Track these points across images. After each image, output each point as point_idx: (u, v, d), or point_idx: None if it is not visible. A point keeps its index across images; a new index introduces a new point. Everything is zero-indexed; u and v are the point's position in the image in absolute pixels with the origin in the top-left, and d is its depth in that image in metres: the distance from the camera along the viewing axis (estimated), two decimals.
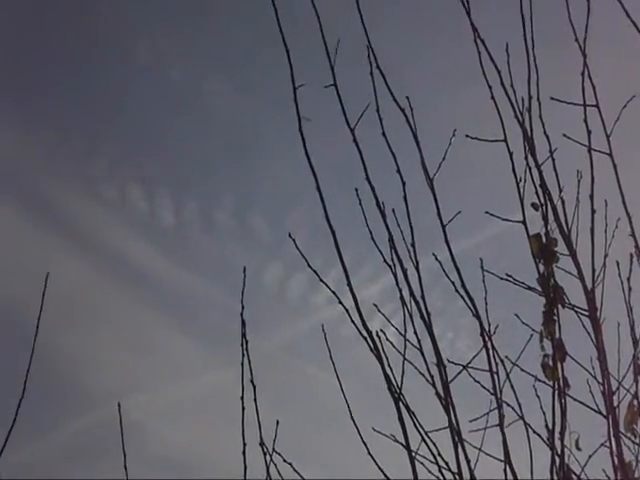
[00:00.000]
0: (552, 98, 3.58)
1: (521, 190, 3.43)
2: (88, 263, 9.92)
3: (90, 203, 10.23)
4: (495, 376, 3.28)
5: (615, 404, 3.37)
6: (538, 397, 3.35)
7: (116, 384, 8.52)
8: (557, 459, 3.24)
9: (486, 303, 3.35)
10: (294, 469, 3.38)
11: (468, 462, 3.16)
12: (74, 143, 10.29)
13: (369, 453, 3.31)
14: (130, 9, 10.02)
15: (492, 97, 3.47)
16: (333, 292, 3.34)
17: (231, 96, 10.21)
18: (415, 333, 3.32)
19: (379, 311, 3.46)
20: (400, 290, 3.33)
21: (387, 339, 3.33)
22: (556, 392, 3.30)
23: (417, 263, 3.33)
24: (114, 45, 10.19)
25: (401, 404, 3.22)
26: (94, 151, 10.28)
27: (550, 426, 3.26)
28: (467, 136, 3.55)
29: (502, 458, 3.19)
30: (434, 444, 3.22)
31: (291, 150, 8.68)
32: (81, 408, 8.21)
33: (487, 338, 3.28)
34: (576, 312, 3.44)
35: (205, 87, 10.31)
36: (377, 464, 3.28)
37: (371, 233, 3.37)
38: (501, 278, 3.54)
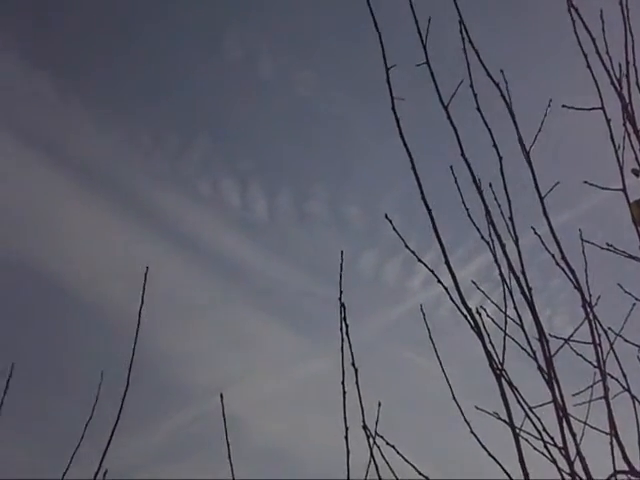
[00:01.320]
0: None
1: (620, 158, 3.35)
2: (184, 259, 10.02)
3: (185, 200, 10.33)
4: (598, 348, 3.21)
5: None
6: None
7: (215, 378, 8.57)
8: None
9: (587, 274, 3.29)
10: (397, 451, 3.34)
11: (574, 436, 3.10)
12: (168, 142, 10.39)
13: (472, 432, 3.27)
14: (218, 5, 10.10)
15: (588, 65, 3.39)
16: (431, 271, 3.29)
17: (320, 87, 10.23)
18: (515, 308, 3.26)
19: (478, 288, 3.41)
20: (499, 266, 3.27)
21: (488, 315, 3.28)
22: None
23: (516, 238, 3.28)
24: (204, 42, 10.28)
25: (503, 380, 3.16)
26: (187, 149, 10.37)
27: None
28: (563, 106, 3.48)
29: (608, 431, 3.12)
30: (538, 419, 3.17)
31: (380, 137, 8.66)
32: (181, 403, 8.28)
33: (589, 309, 3.21)
34: None
35: (294, 79, 10.34)
36: (480, 442, 3.23)
37: (467, 210, 3.32)
38: (602, 248, 3.46)
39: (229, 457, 3.48)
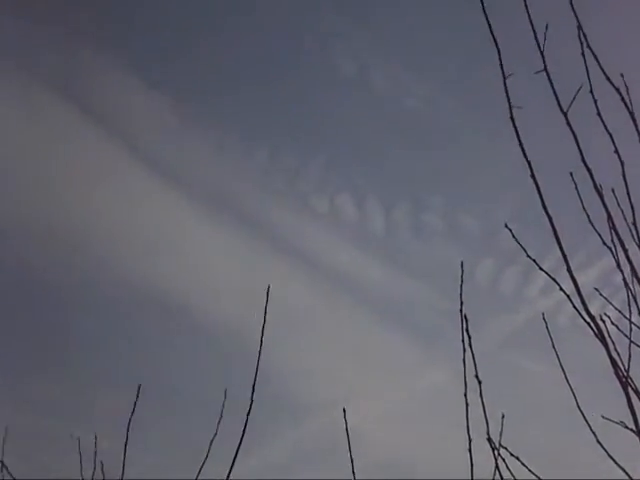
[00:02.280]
0: None
1: None
2: (302, 276, 10.06)
3: (302, 217, 10.38)
4: None
5: None
6: None
7: (334, 393, 8.59)
8: None
9: None
10: (522, 462, 3.29)
11: None
12: (284, 160, 10.47)
13: (598, 441, 3.20)
14: (328, 23, 10.15)
15: None
16: (552, 278, 3.24)
17: (433, 97, 10.20)
18: None
19: (601, 294, 3.34)
20: (622, 272, 3.20)
21: (612, 323, 3.21)
22: None
23: None
24: (316, 59, 10.34)
25: (630, 389, 3.09)
26: (304, 166, 10.44)
27: None
28: None
29: None
30: None
31: (494, 145, 8.58)
32: (301, 418, 8.32)
33: None
34: None
35: (407, 91, 10.33)
36: (607, 452, 3.16)
37: (588, 216, 3.26)
38: None
39: (352, 472, 3.49)
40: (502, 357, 8.31)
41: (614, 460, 3.14)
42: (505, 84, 3.37)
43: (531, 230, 3.40)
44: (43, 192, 9.99)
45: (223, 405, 3.73)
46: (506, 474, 3.30)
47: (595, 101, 3.32)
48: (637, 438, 3.06)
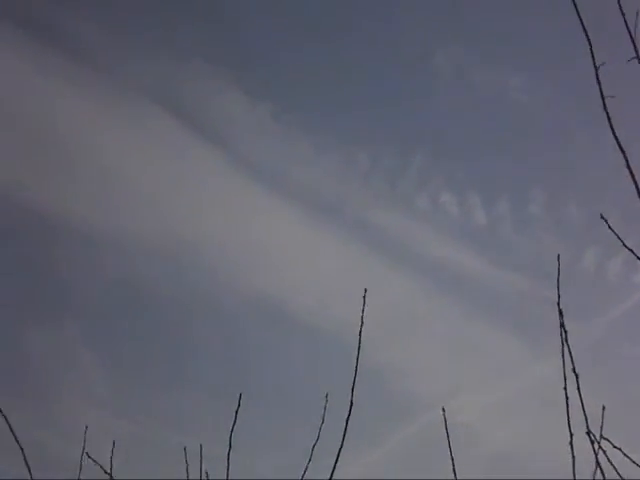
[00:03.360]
0: None
1: None
2: (405, 274, 10.02)
3: (404, 216, 10.35)
4: None
5: None
6: None
7: (441, 388, 8.53)
8: None
9: None
10: (624, 454, 3.21)
11: None
12: (385, 161, 10.44)
13: None
14: (425, 24, 10.09)
15: None
16: None
17: (531, 90, 10.06)
18: None
19: None
20: None
21: None
22: None
23: None
24: (415, 61, 10.30)
25: None
26: (405, 166, 10.40)
27: None
28: None
29: None
30: None
31: (596, 135, 8.44)
32: (408, 415, 8.29)
33: None
34: None
35: (506, 86, 10.21)
36: None
37: None
38: None
39: (453, 470, 3.45)
40: (609, 344, 8.17)
41: None
42: (597, 74, 3.29)
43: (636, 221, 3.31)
44: (151, 205, 10.15)
45: (325, 409, 3.72)
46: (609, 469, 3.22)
47: None
48: None
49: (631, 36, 3.29)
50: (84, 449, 3.47)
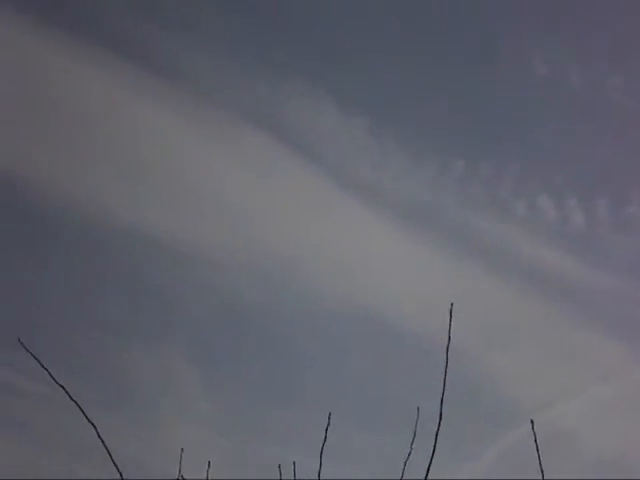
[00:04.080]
0: None
1: None
2: (502, 279, 9.99)
3: (501, 221, 10.32)
4: None
5: None
6: None
7: (544, 393, 8.49)
8: None
9: None
10: None
11: None
12: (481, 167, 10.44)
13: None
14: (525, 25, 10.06)
15: None
16: None
17: (631, 91, 9.95)
18: None
19: None
20: None
21: None
22: None
23: None
24: (514, 64, 10.28)
25: None
26: (501, 171, 10.37)
27: None
28: None
29: None
30: None
31: None
32: (511, 421, 8.25)
33: None
34: None
35: (605, 86, 10.11)
36: None
37: None
38: None
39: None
40: None
41: None
42: None
43: None
44: (249, 222, 10.30)
45: (416, 424, 3.73)
46: None
47: None
48: None
49: None
50: (180, 470, 3.55)
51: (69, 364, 8.58)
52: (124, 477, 3.29)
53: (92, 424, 3.43)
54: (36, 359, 3.79)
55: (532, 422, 3.60)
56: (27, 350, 3.81)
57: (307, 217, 10.46)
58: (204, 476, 3.46)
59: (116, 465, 3.33)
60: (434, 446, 3.58)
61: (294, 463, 3.70)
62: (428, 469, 3.56)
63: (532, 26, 10.49)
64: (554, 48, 10.27)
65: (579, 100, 10.34)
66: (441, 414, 3.62)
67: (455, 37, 10.72)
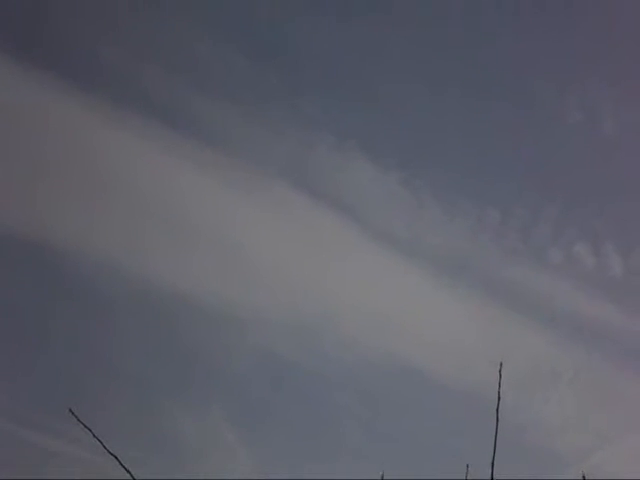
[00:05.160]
0: None
1: None
2: (541, 329, 9.92)
3: (537, 270, 10.27)
4: None
5: None
6: None
7: (585, 441, 8.40)
8: None
9: None
10: None
11: None
12: (516, 216, 10.40)
13: None
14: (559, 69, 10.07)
15: None
16: None
17: None
18: None
19: None
20: None
21: None
22: None
23: None
24: (546, 109, 10.27)
25: None
26: (536, 219, 10.33)
27: None
28: None
29: None
30: None
31: None
32: (555, 470, 8.16)
33: None
34: None
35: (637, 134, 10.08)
36: None
37: None
38: None
39: None
40: None
41: None
42: None
43: None
44: (286, 280, 10.30)
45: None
46: None
47: None
48: None
49: None
50: None
51: (113, 426, 8.57)
52: None
53: None
54: (88, 429, 3.79)
55: (583, 476, 3.56)
56: (79, 420, 3.81)
57: (343, 271, 10.44)
58: None
59: None
60: None
61: None
62: None
63: (567, 69, 10.50)
64: (588, 94, 10.26)
65: (614, 146, 10.32)
66: (492, 477, 3.59)
67: (487, 82, 10.74)
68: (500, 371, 3.67)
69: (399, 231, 10.35)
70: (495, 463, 3.56)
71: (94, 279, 9.76)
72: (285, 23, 10.64)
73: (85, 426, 3.84)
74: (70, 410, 3.83)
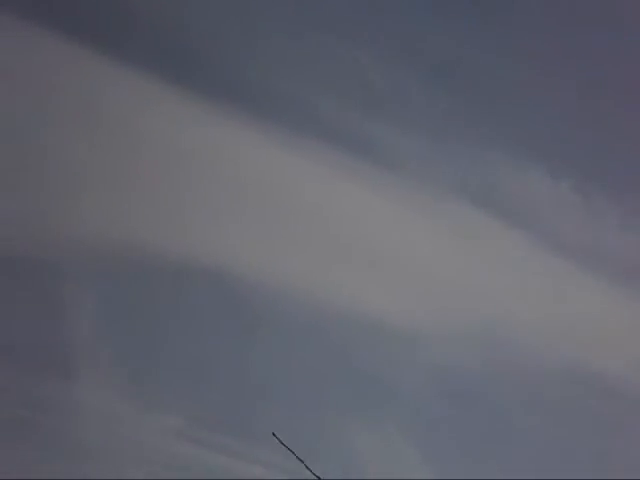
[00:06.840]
0: None
1: None
2: None
3: None
4: None
5: None
6: None
7: None
8: None
9: None
10: None
11: None
12: None
13: None
14: None
15: None
16: None
17: None
18: None
19: None
20: None
21: None
22: None
23: None
24: None
25: None
26: None
27: None
28: None
29: None
30: None
31: None
32: None
33: None
34: None
35: None
36: None
37: None
38: None
39: None
40: None
41: None
42: None
43: None
44: (458, 294, 10.30)
45: None
46: None
47: None
48: None
49: None
50: None
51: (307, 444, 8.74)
52: None
53: None
54: (292, 452, 3.92)
55: None
56: (282, 444, 3.95)
57: (518, 283, 10.37)
58: None
59: None
60: None
61: None
62: None
63: None
64: None
65: None
66: None
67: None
68: None
69: (575, 240, 10.23)
70: None
71: (273, 306, 9.95)
72: (454, 46, 10.68)
73: (289, 449, 3.97)
74: (274, 434, 3.97)
